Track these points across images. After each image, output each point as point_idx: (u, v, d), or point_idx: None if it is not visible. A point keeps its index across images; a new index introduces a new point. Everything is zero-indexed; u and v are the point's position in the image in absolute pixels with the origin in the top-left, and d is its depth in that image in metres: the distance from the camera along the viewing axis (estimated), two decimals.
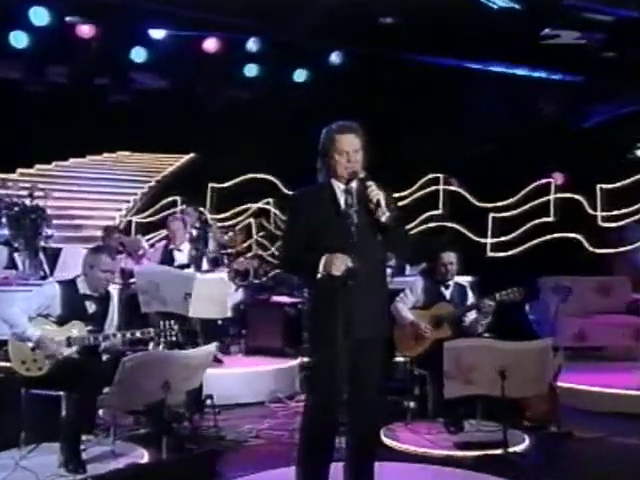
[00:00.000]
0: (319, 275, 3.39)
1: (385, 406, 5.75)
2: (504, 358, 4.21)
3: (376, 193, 3.41)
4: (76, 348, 4.41)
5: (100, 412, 4.55)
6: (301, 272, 3.82)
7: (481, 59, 9.02)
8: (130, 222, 11.56)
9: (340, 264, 3.36)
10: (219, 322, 7.36)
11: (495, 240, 9.75)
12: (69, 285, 4.59)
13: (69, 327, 4.43)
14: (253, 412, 5.92)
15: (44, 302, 4.44)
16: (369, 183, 3.45)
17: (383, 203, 3.41)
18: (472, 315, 5.36)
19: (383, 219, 3.42)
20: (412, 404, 5.56)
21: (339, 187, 3.57)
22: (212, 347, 4.30)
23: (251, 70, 9.88)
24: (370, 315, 3.47)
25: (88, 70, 9.14)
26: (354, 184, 3.54)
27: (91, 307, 4.59)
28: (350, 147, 3.51)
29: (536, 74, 9.37)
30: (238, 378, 6.46)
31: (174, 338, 4.58)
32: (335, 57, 9.65)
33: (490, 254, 9.69)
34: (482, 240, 9.79)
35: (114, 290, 6.02)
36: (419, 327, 5.32)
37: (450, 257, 5.45)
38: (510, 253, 9.50)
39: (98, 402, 4.18)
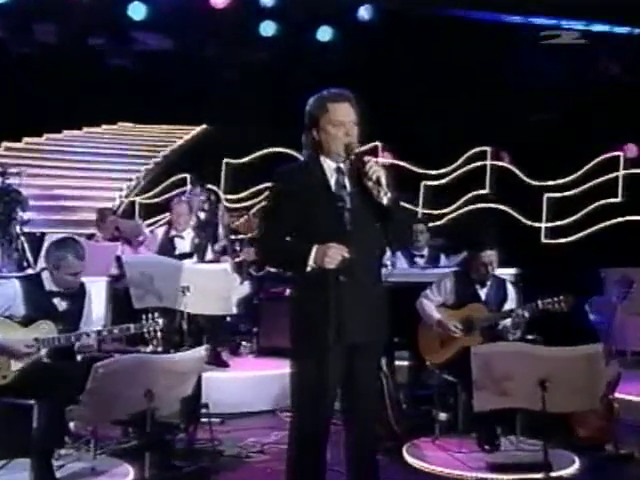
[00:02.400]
0: (309, 269, 3.33)
1: (413, 418, 5.74)
2: (544, 366, 4.06)
3: (376, 170, 3.34)
4: (45, 351, 4.38)
5: (71, 425, 4.54)
6: (285, 265, 3.76)
7: (530, 12, 8.81)
8: (133, 203, 11.63)
9: (335, 255, 3.29)
10: (228, 319, 7.38)
11: (551, 224, 9.62)
12: (33, 281, 4.57)
13: (36, 327, 4.40)
14: (261, 422, 5.92)
15: (3, 303, 4.41)
16: (367, 158, 3.38)
17: (384, 182, 3.34)
18: (506, 322, 5.26)
19: (385, 201, 3.35)
20: (443, 416, 5.51)
21: (329, 165, 3.52)
22: (202, 350, 4.27)
23: (268, 28, 9.82)
24: (366, 316, 3.42)
25: (80, 29, 9.15)
26: (346, 162, 3.48)
27: (61, 304, 4.56)
28: (347, 118, 3.45)
29: (597, 28, 9.11)
30: (246, 383, 6.49)
31: (159, 334, 4.56)
32: (364, 12, 9.53)
33: (545, 241, 9.56)
34: (536, 224, 9.65)
35: (101, 282, 6.09)
36: (447, 327, 5.24)
37: (491, 257, 5.32)
38: (569, 240, 9.35)
39: (66, 413, 4.17)
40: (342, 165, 3.49)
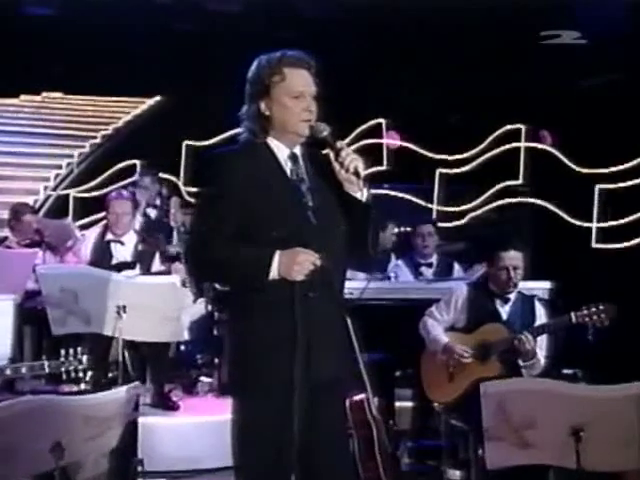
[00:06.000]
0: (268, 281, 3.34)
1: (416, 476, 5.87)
2: (578, 410, 4.08)
3: (353, 158, 3.41)
4: None
5: None
6: (232, 279, 3.63)
7: None
8: (66, 198, 11.68)
9: (306, 263, 3.31)
10: (181, 347, 7.38)
11: (604, 225, 9.68)
12: None
13: None
14: None
15: None
16: (341, 144, 3.44)
17: (362, 173, 3.41)
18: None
19: (364, 197, 3.42)
20: (455, 474, 5.60)
21: (282, 150, 3.54)
22: (130, 389, 4.26)
23: None
24: (336, 344, 3.42)
25: None
26: (301, 147, 3.55)
27: None
28: (307, 88, 3.51)
29: None
30: (201, 430, 6.50)
31: (80, 374, 4.53)
32: None
33: (596, 245, 9.62)
34: (584, 225, 9.72)
35: (6, 302, 6.08)
36: (453, 350, 5.30)
37: (513, 259, 5.39)
38: (627, 244, 9.39)
39: None
40: (297, 151, 3.54)
